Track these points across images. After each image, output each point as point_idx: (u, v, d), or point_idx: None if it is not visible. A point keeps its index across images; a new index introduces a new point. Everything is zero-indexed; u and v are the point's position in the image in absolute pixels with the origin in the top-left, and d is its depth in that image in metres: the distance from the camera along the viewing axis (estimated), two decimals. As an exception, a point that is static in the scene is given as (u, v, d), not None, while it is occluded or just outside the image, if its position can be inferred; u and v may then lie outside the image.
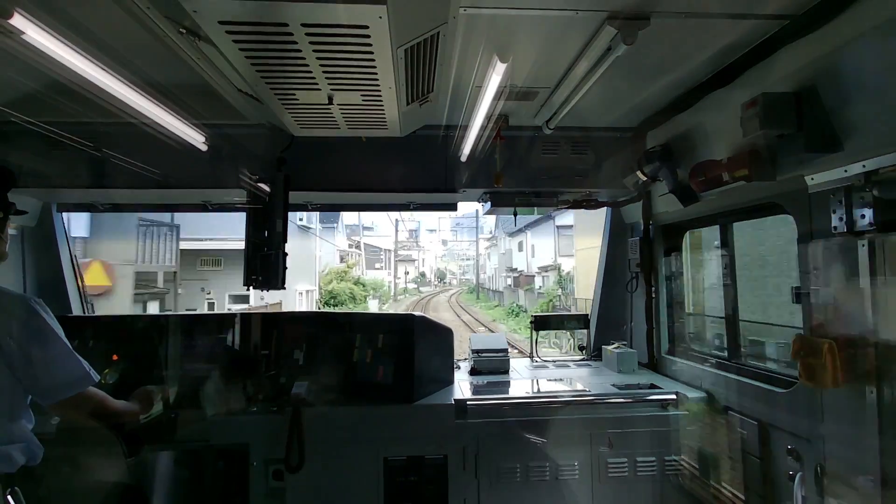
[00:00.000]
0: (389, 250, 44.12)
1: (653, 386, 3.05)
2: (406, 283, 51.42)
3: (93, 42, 1.90)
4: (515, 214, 3.65)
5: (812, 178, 2.04)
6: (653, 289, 3.51)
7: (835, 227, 1.92)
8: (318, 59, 2.04)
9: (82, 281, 3.62)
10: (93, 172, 3.06)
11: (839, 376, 1.91)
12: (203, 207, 3.66)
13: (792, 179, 2.12)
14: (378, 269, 42.47)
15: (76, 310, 3.52)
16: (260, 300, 16.16)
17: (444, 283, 69.71)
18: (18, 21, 1.58)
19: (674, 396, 2.86)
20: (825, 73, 1.89)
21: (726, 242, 3.03)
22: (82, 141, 2.81)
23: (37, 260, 3.39)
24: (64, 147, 2.81)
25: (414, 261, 59.18)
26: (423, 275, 63.27)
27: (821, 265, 2.05)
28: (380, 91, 2.38)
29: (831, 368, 1.91)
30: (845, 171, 1.86)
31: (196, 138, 2.82)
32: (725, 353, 3.00)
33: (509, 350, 3.73)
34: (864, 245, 1.84)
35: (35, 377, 1.76)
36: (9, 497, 1.71)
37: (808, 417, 2.13)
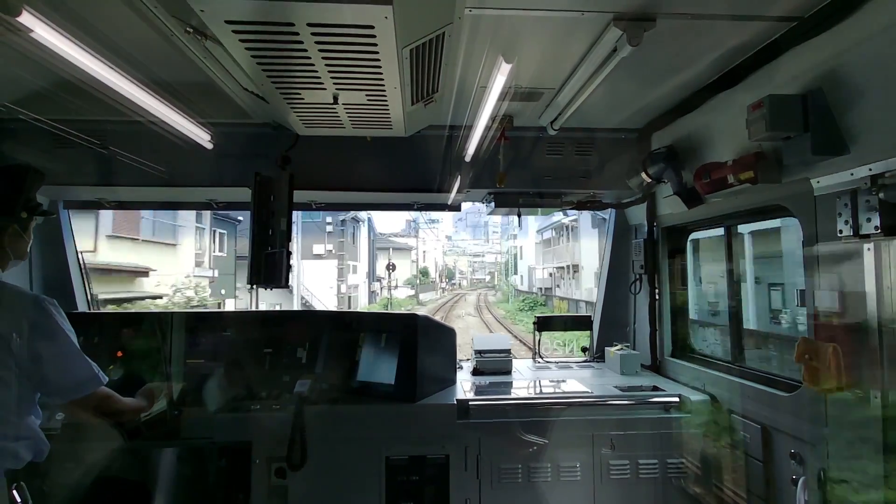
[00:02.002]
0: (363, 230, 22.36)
1: (655, 388, 3.04)
2: (391, 285, 31.67)
3: (100, 40, 1.92)
4: (519, 216, 3.66)
5: (818, 181, 2.03)
6: (656, 291, 3.50)
7: (840, 231, 1.91)
8: (323, 58, 2.04)
9: (88, 277, 3.64)
10: (99, 170, 3.08)
11: (843, 380, 1.90)
12: (208, 206, 3.68)
13: (798, 182, 2.11)
14: (319, 255, 22.29)
15: (82, 306, 3.54)
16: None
17: (453, 284, 57.47)
18: (27, 19, 1.59)
19: (676, 399, 2.85)
20: (832, 75, 1.88)
21: (730, 245, 3.02)
22: (89, 139, 2.83)
23: (43, 257, 3.42)
24: (71, 145, 2.83)
25: (412, 249, 44.02)
26: (425, 273, 47.00)
27: (826, 268, 2.04)
28: (385, 91, 2.38)
29: (835, 372, 1.90)
30: (851, 174, 1.85)
31: (202, 137, 2.84)
32: (729, 356, 2.99)
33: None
34: (869, 249, 1.83)
35: (46, 377, 1.76)
36: (14, 492, 1.73)
37: (812, 421, 2.11)
